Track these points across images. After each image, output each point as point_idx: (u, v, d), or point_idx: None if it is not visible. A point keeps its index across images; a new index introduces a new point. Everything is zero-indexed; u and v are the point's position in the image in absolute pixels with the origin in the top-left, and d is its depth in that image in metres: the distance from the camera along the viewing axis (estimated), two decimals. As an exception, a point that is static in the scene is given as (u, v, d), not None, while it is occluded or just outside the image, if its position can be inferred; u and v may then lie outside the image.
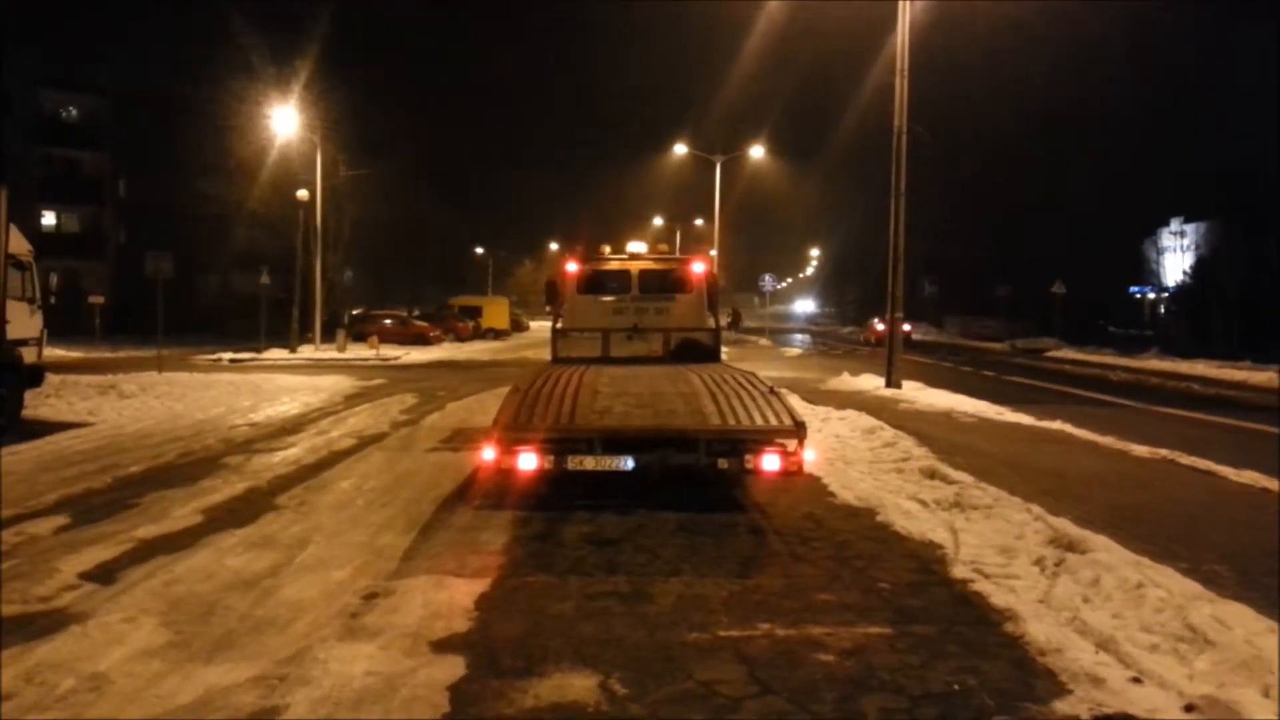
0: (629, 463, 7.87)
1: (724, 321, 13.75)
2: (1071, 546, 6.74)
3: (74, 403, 15.84)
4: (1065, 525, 7.25)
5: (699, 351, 12.61)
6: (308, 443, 12.46)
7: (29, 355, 14.01)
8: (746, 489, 9.25)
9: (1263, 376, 26.24)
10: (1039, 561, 6.64)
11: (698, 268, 13.55)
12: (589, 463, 7.87)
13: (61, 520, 7.86)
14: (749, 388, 8.88)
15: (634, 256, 13.66)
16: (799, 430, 7.80)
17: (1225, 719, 4.21)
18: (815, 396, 18.12)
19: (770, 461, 7.81)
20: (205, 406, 16.20)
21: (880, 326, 64.69)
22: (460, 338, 47.82)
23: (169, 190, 45.82)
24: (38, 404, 14.95)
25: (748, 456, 7.85)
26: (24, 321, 13.93)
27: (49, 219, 52.59)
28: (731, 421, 7.92)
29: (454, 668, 4.78)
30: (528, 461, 7.83)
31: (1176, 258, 65.76)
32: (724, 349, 13.77)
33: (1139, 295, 73.75)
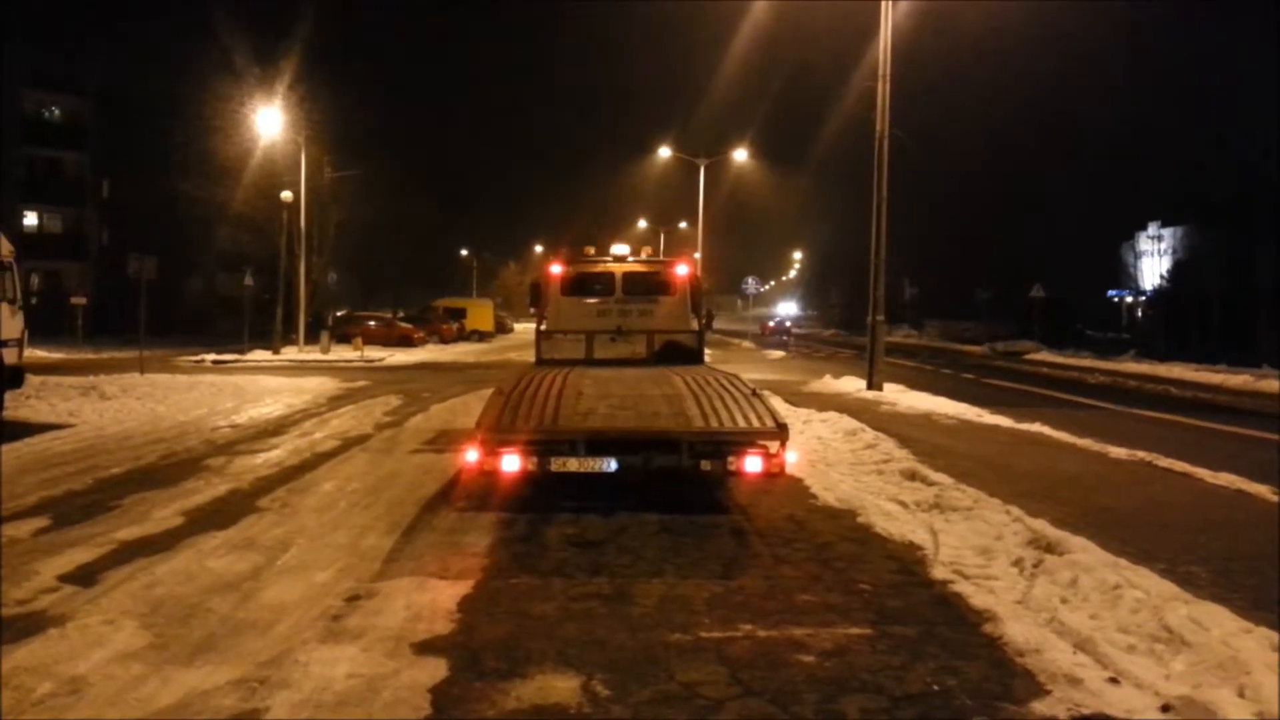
0: (612, 464, 7.88)
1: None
2: (1050, 548, 6.79)
3: (55, 404, 15.73)
4: (1044, 526, 7.31)
5: (682, 353, 12.64)
6: (290, 444, 12.42)
7: (9, 356, 13.95)
8: (729, 490, 9.28)
9: (1239, 380, 26.44)
10: (1018, 563, 6.69)
11: (681, 270, 13.57)
12: (572, 464, 7.88)
13: (41, 522, 7.82)
14: (731, 390, 8.91)
15: (618, 259, 13.67)
16: (781, 432, 7.84)
17: (1201, 719, 4.26)
18: (797, 399, 18.19)
19: (753, 463, 7.84)
20: (187, 408, 16.12)
21: (771, 324, 70.24)
22: (445, 339, 47.77)
23: (152, 191, 45.43)
24: (18, 405, 14.85)
25: (730, 458, 7.87)
26: (5, 322, 13.87)
27: (31, 219, 52.16)
28: (714, 423, 7.95)
29: (436, 669, 4.79)
30: (511, 463, 7.83)
31: (1154, 261, 66.34)
32: (707, 351, 13.78)
33: (1116, 299, 74.34)
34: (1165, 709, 4.37)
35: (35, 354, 22.81)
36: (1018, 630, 5.33)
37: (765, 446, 7.90)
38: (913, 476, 9.84)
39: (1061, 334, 52.00)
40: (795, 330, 68.95)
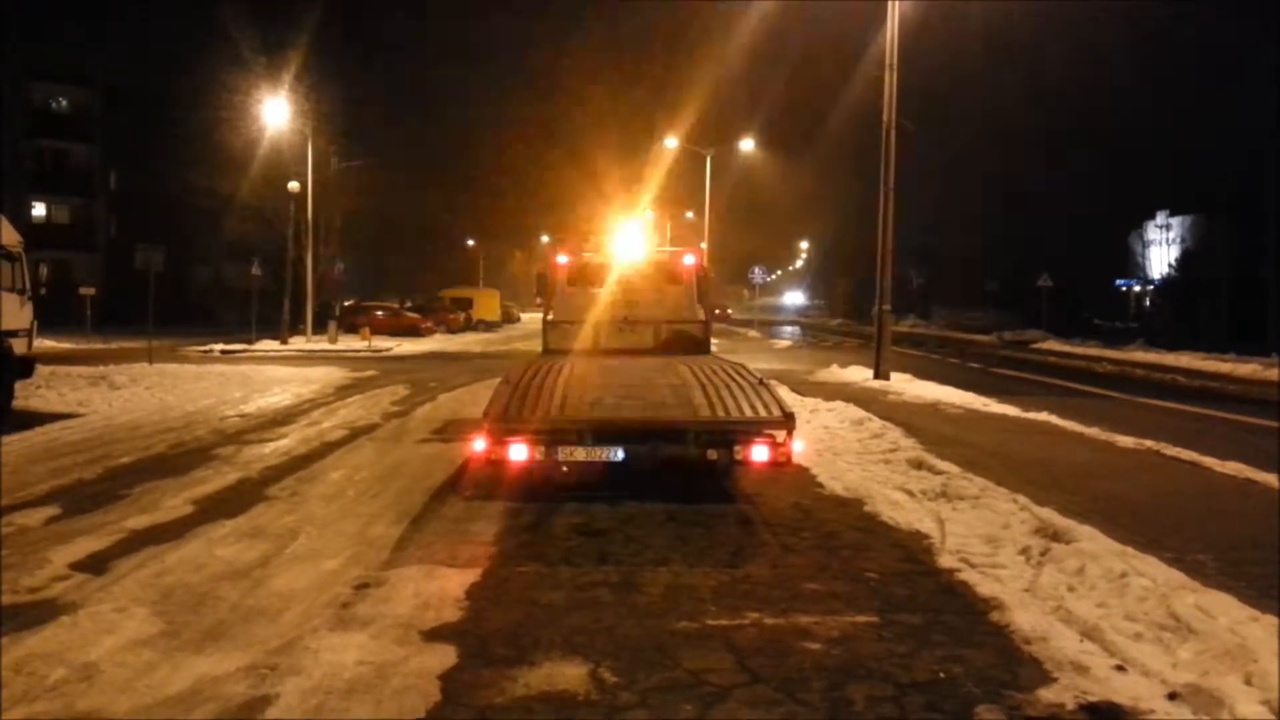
0: (619, 453, 7.90)
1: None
2: (1057, 536, 6.79)
3: (64, 394, 15.81)
4: (1051, 515, 7.31)
5: (689, 343, 12.65)
6: (299, 434, 12.46)
7: (19, 346, 13.98)
8: (736, 480, 9.28)
9: (1247, 368, 26.33)
10: (1025, 551, 6.69)
11: (688, 260, 13.56)
12: (579, 453, 7.90)
13: (52, 511, 7.87)
14: (738, 379, 8.91)
15: (624, 249, 13.67)
16: (788, 421, 7.85)
17: (1208, 707, 4.26)
18: (804, 388, 18.16)
19: (759, 452, 7.85)
20: (196, 398, 16.18)
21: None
22: (451, 329, 47.81)
23: (160, 182, 45.56)
24: (28, 395, 14.91)
25: (737, 447, 7.88)
26: (14, 313, 13.91)
27: (39, 210, 52.39)
28: (721, 413, 7.96)
29: (445, 657, 4.81)
30: (518, 452, 7.85)
31: (1162, 250, 66.05)
32: (713, 340, 13.79)
33: (1124, 288, 74.06)
34: (1172, 697, 4.37)
35: (44, 344, 22.86)
36: (1024, 618, 5.34)
37: (772, 436, 7.91)
38: (920, 465, 9.84)
39: (1069, 323, 51.77)
40: (802, 320, 69.59)
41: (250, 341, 33.56)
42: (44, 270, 45.08)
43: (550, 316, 13.19)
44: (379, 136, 48.72)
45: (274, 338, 35.10)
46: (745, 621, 5.40)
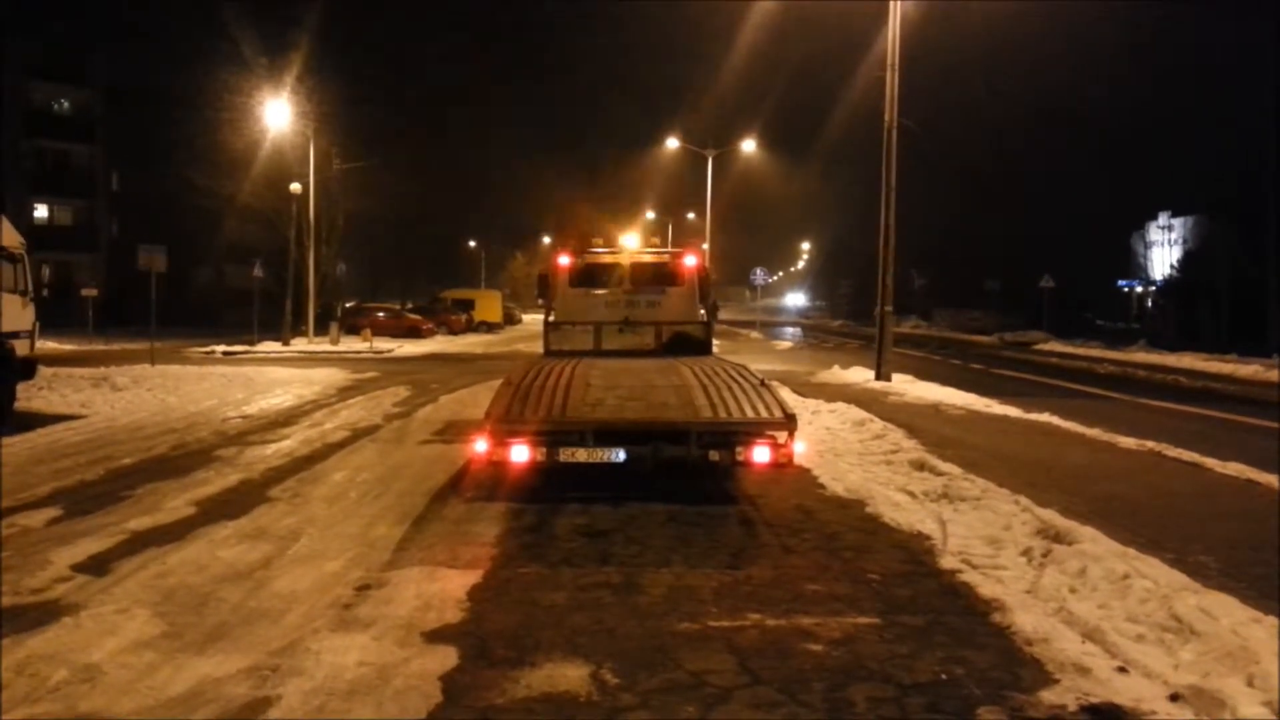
0: (620, 455, 7.91)
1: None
2: (1058, 537, 6.79)
3: (66, 395, 15.82)
4: (1052, 516, 7.31)
5: (690, 344, 12.65)
6: (301, 435, 12.47)
7: (21, 348, 13.98)
8: (737, 481, 9.29)
9: (1249, 369, 26.34)
10: (1026, 552, 6.70)
11: (689, 261, 13.57)
12: (581, 455, 7.90)
13: (54, 512, 7.88)
14: (740, 380, 8.92)
15: (626, 250, 13.68)
16: (789, 422, 7.86)
17: (1210, 709, 4.25)
18: (805, 389, 18.16)
19: (761, 453, 7.85)
20: (198, 399, 16.19)
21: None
22: (453, 331, 47.82)
23: (161, 183, 45.58)
24: (30, 396, 14.91)
25: (738, 448, 7.89)
26: (16, 314, 13.91)
27: (41, 211, 52.45)
28: (723, 414, 7.97)
29: (446, 658, 4.81)
30: (520, 454, 7.86)
31: (1164, 251, 66.04)
32: (715, 341, 13.78)
33: (1126, 289, 74.05)
34: (1174, 698, 4.37)
35: (46, 346, 22.87)
36: (1026, 620, 5.34)
37: (773, 437, 7.91)
38: (921, 466, 9.84)
39: (1071, 324, 51.76)
40: (804, 321, 69.72)
41: (252, 343, 33.59)
42: (46, 272, 45.10)
43: (552, 318, 13.20)
44: (381, 138, 48.66)
45: (276, 339, 35.13)
46: (747, 623, 5.40)
